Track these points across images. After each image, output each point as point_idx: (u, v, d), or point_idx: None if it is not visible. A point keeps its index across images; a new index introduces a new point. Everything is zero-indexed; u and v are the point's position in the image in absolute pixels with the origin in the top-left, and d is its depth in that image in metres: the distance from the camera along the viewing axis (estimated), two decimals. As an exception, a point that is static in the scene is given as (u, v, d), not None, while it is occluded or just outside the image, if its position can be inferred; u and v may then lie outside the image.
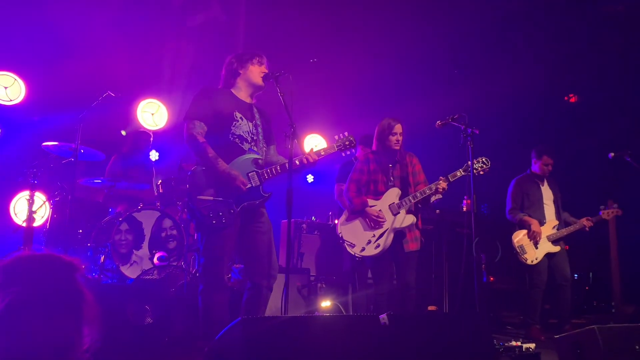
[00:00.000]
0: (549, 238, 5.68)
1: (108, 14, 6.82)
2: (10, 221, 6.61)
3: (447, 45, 8.07)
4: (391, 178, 4.72)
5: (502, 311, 7.00)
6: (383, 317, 2.51)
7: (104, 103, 5.11)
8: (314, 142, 8.09)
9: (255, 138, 3.71)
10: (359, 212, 4.67)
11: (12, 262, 1.51)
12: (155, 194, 5.68)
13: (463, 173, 4.56)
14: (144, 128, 7.06)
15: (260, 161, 3.67)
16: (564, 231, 5.72)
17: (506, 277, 7.09)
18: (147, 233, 5.30)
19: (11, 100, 6.59)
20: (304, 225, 6.27)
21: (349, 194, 4.75)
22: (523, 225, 5.70)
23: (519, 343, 3.84)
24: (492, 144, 6.26)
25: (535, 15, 7.63)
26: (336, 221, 5.60)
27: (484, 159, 4.62)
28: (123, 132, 7.00)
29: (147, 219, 5.33)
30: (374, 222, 4.58)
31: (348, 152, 3.87)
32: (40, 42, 6.55)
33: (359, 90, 8.25)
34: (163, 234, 5.36)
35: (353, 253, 4.69)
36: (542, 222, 5.70)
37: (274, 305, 4.63)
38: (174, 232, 5.38)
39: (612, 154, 5.87)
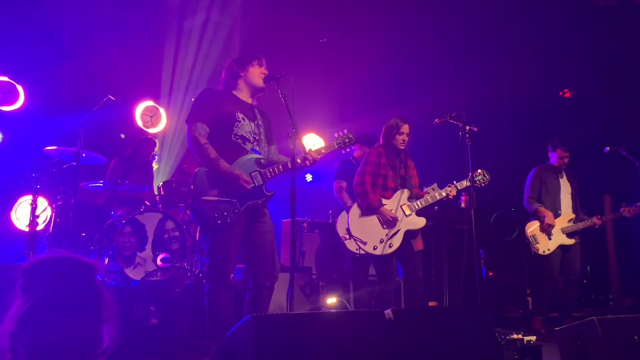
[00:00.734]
0: (563, 230, 5.71)
1: (106, 18, 6.85)
2: (11, 226, 6.64)
3: (444, 43, 8.11)
4: (399, 179, 4.78)
5: (503, 305, 7.07)
6: (388, 312, 2.56)
7: (104, 107, 5.16)
8: (310, 141, 8.14)
9: (257, 138, 3.76)
10: (373, 209, 4.68)
11: (34, 264, 1.55)
12: (156, 194, 5.72)
13: (469, 184, 4.66)
14: (149, 134, 7.09)
15: (262, 161, 3.72)
16: (580, 225, 5.75)
17: (506, 272, 7.16)
18: (150, 235, 5.33)
19: (11, 106, 6.62)
20: (304, 224, 6.32)
21: (365, 188, 4.73)
22: (537, 216, 5.74)
23: (520, 336, 3.89)
24: (488, 140, 6.31)
25: (529, 11, 7.68)
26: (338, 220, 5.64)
27: (484, 172, 4.72)
28: (122, 136, 7.04)
29: (150, 221, 5.36)
30: (388, 222, 4.63)
31: (348, 150, 3.94)
32: (39, 47, 6.58)
33: (355, 89, 8.29)
34: (166, 236, 5.40)
35: (361, 251, 4.72)
36: (557, 214, 5.74)
37: (275, 304, 4.68)
38: (177, 233, 5.42)
39: (608, 148, 5.93)
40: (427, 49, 8.11)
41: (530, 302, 6.65)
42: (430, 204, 4.75)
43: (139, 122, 7.39)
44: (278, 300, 4.68)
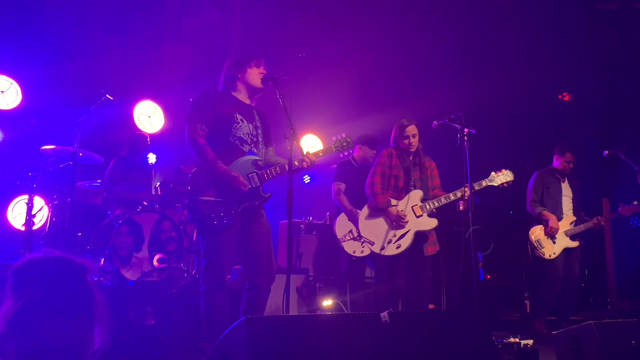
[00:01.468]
0: (566, 233, 5.73)
1: (104, 17, 6.83)
2: (7, 225, 6.62)
3: (443, 46, 8.10)
4: (412, 180, 4.75)
5: (500, 308, 7.05)
6: (384, 315, 2.54)
7: (102, 106, 5.13)
8: (309, 142, 8.12)
9: (255, 140, 3.75)
10: (380, 210, 4.66)
11: (24, 264, 1.54)
12: (153, 194, 5.69)
13: (488, 183, 4.63)
14: (140, 131, 7.06)
15: (259, 162, 3.71)
16: (583, 227, 5.78)
17: (503, 275, 7.15)
18: (147, 235, 5.31)
19: (7, 105, 6.59)
20: (302, 226, 6.30)
21: (374, 188, 4.71)
22: (541, 219, 5.75)
23: (517, 339, 3.88)
24: (486, 143, 6.30)
25: (529, 14, 7.68)
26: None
27: (507, 172, 4.69)
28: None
29: (147, 221, 5.33)
30: (396, 222, 4.61)
31: (345, 153, 3.94)
32: (36, 46, 6.55)
33: (354, 90, 8.27)
34: (162, 236, 5.36)
35: (358, 254, 4.70)
36: (559, 217, 5.76)
37: (272, 305, 4.66)
38: (173, 234, 5.39)
39: (607, 152, 5.93)
40: (426, 51, 8.09)
41: (528, 305, 6.64)
42: (443, 205, 4.68)
43: (137, 122, 7.36)
44: (275, 302, 4.65)
